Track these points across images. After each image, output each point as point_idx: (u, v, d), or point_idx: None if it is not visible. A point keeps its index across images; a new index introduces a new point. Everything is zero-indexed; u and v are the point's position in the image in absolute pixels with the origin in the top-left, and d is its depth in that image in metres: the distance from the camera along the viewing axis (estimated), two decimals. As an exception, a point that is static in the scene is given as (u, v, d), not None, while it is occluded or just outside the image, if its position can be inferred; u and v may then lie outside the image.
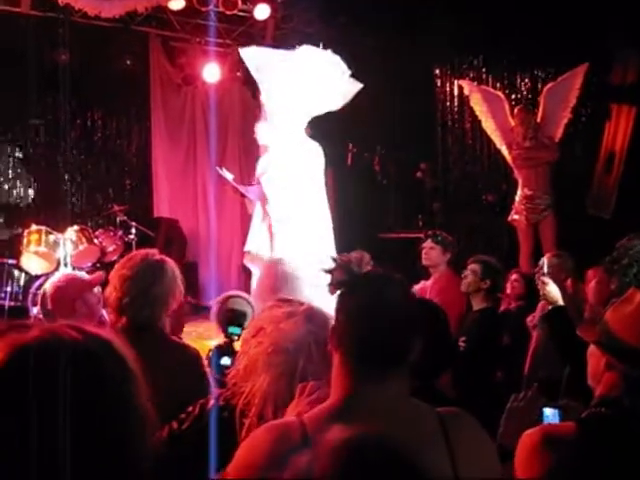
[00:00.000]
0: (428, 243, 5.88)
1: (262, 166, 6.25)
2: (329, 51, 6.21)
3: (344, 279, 1.72)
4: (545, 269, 3.95)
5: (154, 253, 3.12)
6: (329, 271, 1.74)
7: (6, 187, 9.63)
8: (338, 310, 1.72)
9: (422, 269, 6.08)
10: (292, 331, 2.03)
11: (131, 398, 1.19)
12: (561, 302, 3.65)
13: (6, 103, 9.02)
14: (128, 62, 9.48)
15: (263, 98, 6.27)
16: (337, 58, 6.07)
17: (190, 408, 2.22)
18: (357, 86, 6.15)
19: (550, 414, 2.41)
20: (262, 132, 6.24)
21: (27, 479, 1.08)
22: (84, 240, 7.79)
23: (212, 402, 2.21)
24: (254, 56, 6.30)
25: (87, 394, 1.13)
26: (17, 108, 9.22)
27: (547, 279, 3.71)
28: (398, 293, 1.72)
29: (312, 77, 6.01)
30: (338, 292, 1.73)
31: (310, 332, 2.02)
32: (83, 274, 5.00)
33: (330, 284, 1.74)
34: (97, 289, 4.24)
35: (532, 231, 7.76)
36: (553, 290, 3.66)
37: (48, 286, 4.17)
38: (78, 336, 1.18)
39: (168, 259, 3.13)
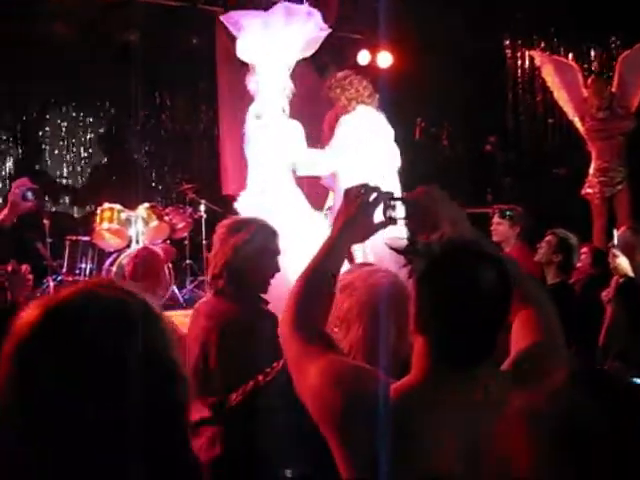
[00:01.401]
0: (495, 219, 5.83)
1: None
2: (305, 4, 6.15)
3: (428, 264, 1.58)
4: (615, 241, 3.90)
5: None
6: (408, 257, 1.66)
7: (79, 168, 9.86)
8: (424, 292, 1.58)
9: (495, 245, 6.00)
10: (382, 284, 2.04)
11: (168, 359, 1.17)
12: (631, 274, 3.61)
13: (77, 83, 9.20)
14: (194, 41, 9.54)
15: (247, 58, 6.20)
16: (312, 10, 6.00)
17: (275, 363, 2.26)
18: (324, 33, 6.16)
19: None
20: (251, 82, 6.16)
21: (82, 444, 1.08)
22: (154, 217, 7.92)
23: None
24: (235, 22, 6.19)
25: (119, 354, 1.11)
26: (88, 88, 9.41)
27: (617, 251, 3.67)
28: (493, 273, 1.55)
29: (288, 32, 5.95)
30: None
31: (397, 285, 2.01)
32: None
33: (411, 270, 1.61)
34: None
35: (606, 205, 7.57)
36: (623, 262, 3.64)
37: (127, 259, 4.29)
38: (115, 295, 1.17)
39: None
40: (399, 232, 1.86)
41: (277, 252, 3.36)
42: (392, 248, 1.70)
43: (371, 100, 6.31)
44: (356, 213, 1.83)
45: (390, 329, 1.95)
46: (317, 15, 6.09)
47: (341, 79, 6.36)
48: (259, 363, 2.70)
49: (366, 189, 1.86)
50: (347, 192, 1.88)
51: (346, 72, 6.48)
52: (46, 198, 9.15)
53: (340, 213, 1.87)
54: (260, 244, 3.29)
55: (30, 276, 4.25)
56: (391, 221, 1.86)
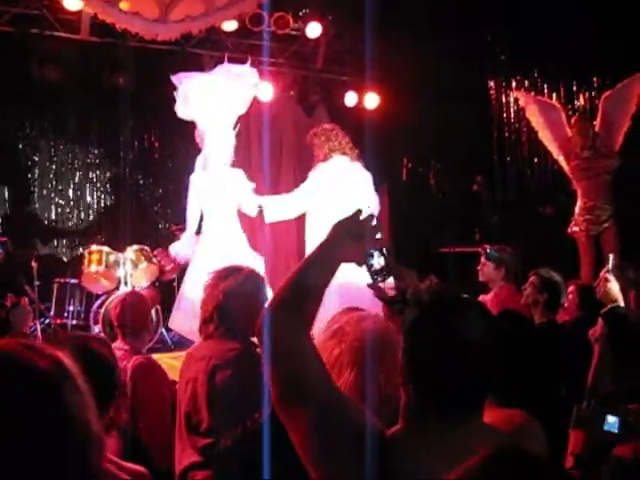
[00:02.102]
0: (482, 259, 5.86)
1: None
2: (247, 64, 6.89)
3: (416, 311, 1.58)
4: (610, 266, 3.85)
5: None
6: (398, 306, 1.66)
7: (67, 209, 9.86)
8: (411, 341, 1.59)
9: (482, 284, 6.02)
10: (373, 331, 2.03)
11: (83, 421, 1.15)
12: (621, 302, 3.57)
13: (67, 127, 9.26)
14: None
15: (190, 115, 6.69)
16: (251, 69, 6.78)
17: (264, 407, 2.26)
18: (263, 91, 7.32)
19: (612, 422, 2.38)
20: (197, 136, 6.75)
21: None
22: (143, 259, 7.91)
23: None
24: (183, 83, 6.69)
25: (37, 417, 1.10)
26: (78, 131, 9.47)
27: (610, 276, 3.63)
28: (482, 323, 1.56)
29: (228, 91, 6.54)
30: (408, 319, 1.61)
31: (387, 332, 2.01)
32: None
33: (403, 320, 1.62)
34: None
35: (593, 242, 7.61)
36: (614, 288, 3.58)
37: (114, 303, 4.27)
38: (35, 358, 1.15)
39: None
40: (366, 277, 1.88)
41: (265, 297, 3.40)
42: (381, 298, 1.71)
43: (351, 153, 6.59)
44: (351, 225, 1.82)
45: (381, 376, 1.95)
46: (254, 74, 6.62)
47: (328, 130, 6.65)
48: (249, 405, 2.69)
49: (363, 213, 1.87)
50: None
51: (333, 125, 6.79)
52: (36, 240, 9.17)
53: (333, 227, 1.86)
54: (249, 288, 3.33)
55: (29, 308, 4.25)
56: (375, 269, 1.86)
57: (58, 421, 1.11)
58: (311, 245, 6.49)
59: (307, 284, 1.73)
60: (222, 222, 6.59)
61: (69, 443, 1.12)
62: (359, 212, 1.85)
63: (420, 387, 1.57)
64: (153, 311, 6.49)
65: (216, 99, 6.45)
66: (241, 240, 6.63)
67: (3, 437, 1.07)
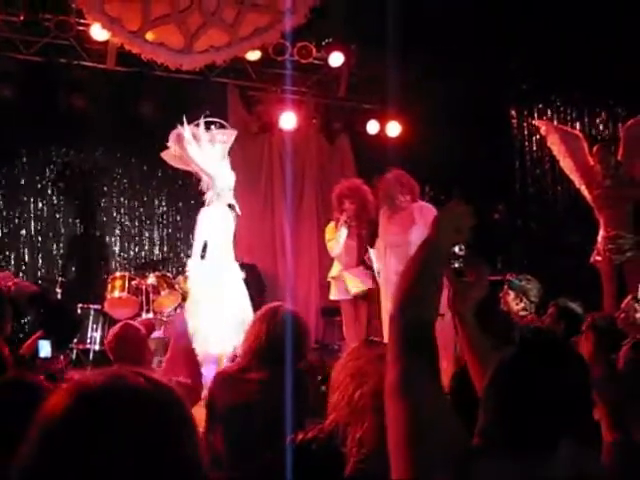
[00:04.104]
0: (505, 287, 5.86)
1: None
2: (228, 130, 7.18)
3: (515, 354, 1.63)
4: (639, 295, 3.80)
5: None
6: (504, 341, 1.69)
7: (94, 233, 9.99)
8: (507, 377, 1.61)
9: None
10: None
11: (187, 448, 1.17)
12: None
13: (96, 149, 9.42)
14: (207, 112, 9.72)
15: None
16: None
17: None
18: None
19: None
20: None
21: None
22: (165, 286, 7.98)
23: (300, 436, 2.22)
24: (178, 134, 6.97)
25: (148, 442, 1.12)
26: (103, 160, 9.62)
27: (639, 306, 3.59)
28: (577, 377, 1.63)
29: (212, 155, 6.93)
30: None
31: None
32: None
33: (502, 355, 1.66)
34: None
35: (616, 272, 7.53)
36: None
37: (108, 337, 4.26)
38: (144, 383, 1.18)
39: None
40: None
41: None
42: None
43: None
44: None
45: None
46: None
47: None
48: (266, 439, 2.70)
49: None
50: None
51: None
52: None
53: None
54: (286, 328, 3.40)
55: None
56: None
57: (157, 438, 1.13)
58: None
59: (429, 280, 1.76)
60: (222, 252, 6.95)
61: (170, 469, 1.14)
62: (460, 203, 1.91)
63: (503, 420, 1.59)
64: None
65: (208, 152, 6.90)
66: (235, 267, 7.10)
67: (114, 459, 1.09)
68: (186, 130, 6.80)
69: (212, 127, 7.00)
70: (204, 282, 6.71)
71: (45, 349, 3.91)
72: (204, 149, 6.83)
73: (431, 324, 1.67)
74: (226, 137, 7.09)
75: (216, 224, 6.88)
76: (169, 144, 6.99)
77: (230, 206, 6.99)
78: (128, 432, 1.10)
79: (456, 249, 1.89)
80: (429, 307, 1.70)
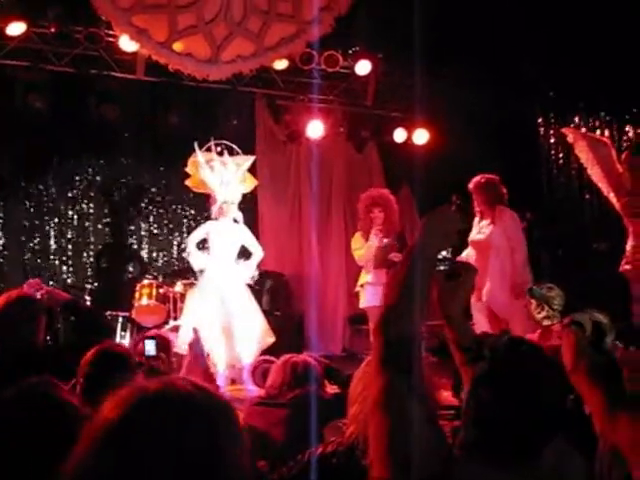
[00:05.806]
0: (526, 296, 5.79)
1: None
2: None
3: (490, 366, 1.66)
4: None
5: None
6: (472, 355, 1.71)
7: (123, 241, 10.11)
8: (482, 391, 1.64)
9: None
10: None
11: (233, 453, 1.21)
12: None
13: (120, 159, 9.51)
14: (235, 122, 9.81)
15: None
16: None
17: (300, 455, 2.27)
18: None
19: None
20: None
21: None
22: (193, 294, 8.03)
23: (319, 450, 2.23)
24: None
25: (195, 449, 1.16)
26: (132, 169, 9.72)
27: None
28: (554, 382, 1.66)
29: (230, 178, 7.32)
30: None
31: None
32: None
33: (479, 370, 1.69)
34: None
35: (645, 281, 7.43)
36: None
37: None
38: (195, 391, 1.22)
39: None
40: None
41: None
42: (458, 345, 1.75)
43: None
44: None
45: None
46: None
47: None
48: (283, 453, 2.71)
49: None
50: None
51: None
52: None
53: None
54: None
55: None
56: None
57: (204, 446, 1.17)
58: None
59: (414, 290, 1.74)
60: (228, 263, 7.29)
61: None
62: (448, 208, 1.90)
63: (482, 432, 1.61)
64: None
65: (223, 177, 7.26)
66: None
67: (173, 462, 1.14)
68: (198, 155, 7.15)
69: (224, 151, 7.37)
70: (205, 281, 7.12)
71: (151, 348, 4.15)
72: (216, 172, 7.19)
73: (412, 340, 1.66)
74: (241, 160, 7.46)
75: (223, 237, 7.23)
76: (187, 170, 7.39)
77: (235, 220, 7.31)
78: (176, 435, 1.15)
79: (443, 253, 1.89)
80: (411, 323, 1.68)
